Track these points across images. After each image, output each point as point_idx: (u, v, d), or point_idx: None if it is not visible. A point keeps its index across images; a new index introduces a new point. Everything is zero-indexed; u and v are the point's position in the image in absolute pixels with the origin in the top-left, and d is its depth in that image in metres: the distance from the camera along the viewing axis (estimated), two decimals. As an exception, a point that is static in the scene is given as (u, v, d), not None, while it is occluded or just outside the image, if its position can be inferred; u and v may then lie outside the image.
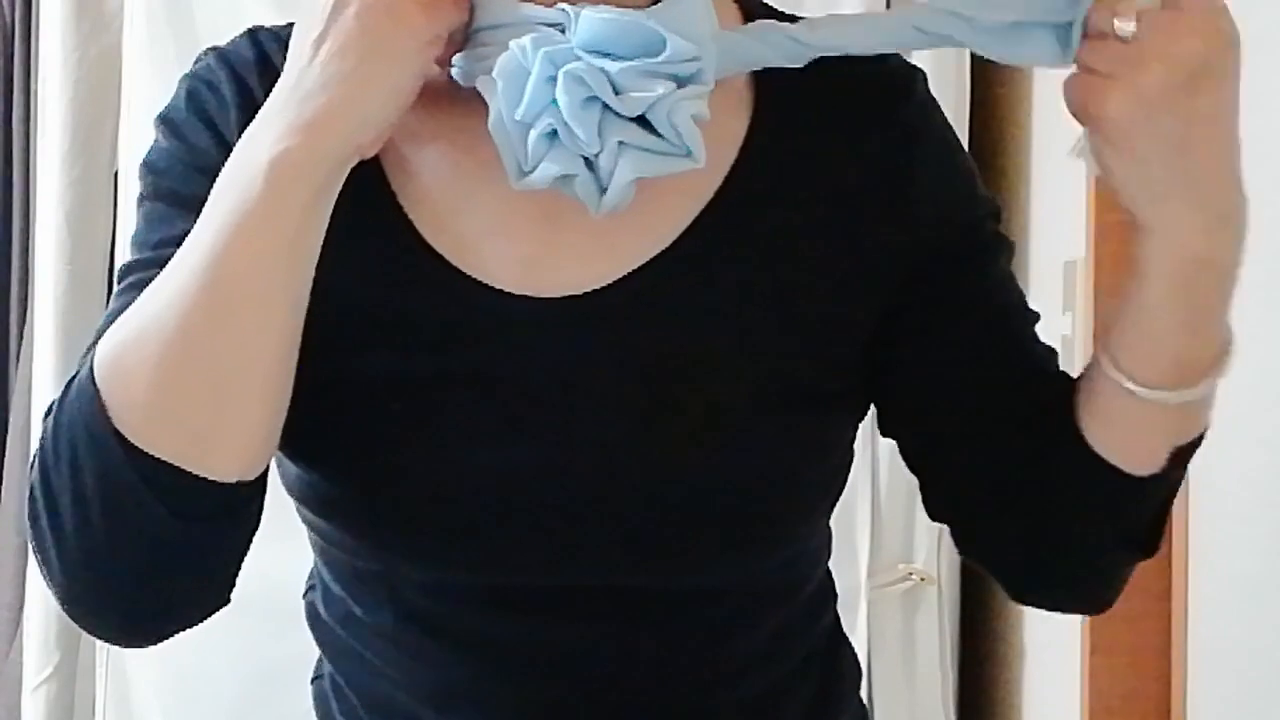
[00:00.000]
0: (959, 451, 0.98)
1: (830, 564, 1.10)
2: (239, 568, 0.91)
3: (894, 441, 1.04)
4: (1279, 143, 1.29)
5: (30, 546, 0.89)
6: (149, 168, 0.96)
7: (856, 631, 2.00)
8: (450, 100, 0.91)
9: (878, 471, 2.03)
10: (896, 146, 0.95)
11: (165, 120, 0.97)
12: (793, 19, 0.92)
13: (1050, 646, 1.89)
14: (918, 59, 1.04)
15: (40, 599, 2.21)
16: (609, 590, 0.95)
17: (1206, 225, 0.86)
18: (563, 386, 0.90)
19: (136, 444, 0.83)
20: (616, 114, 0.84)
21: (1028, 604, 1.06)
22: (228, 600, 0.92)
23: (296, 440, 0.91)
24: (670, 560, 0.94)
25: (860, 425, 1.05)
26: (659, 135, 0.85)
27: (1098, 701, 1.64)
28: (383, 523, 0.94)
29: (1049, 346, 1.01)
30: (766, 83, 0.95)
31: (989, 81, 2.08)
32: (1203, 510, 1.50)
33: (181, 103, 0.96)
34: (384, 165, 0.92)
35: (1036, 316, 1.01)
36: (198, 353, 0.83)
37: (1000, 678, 2.13)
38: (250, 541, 0.90)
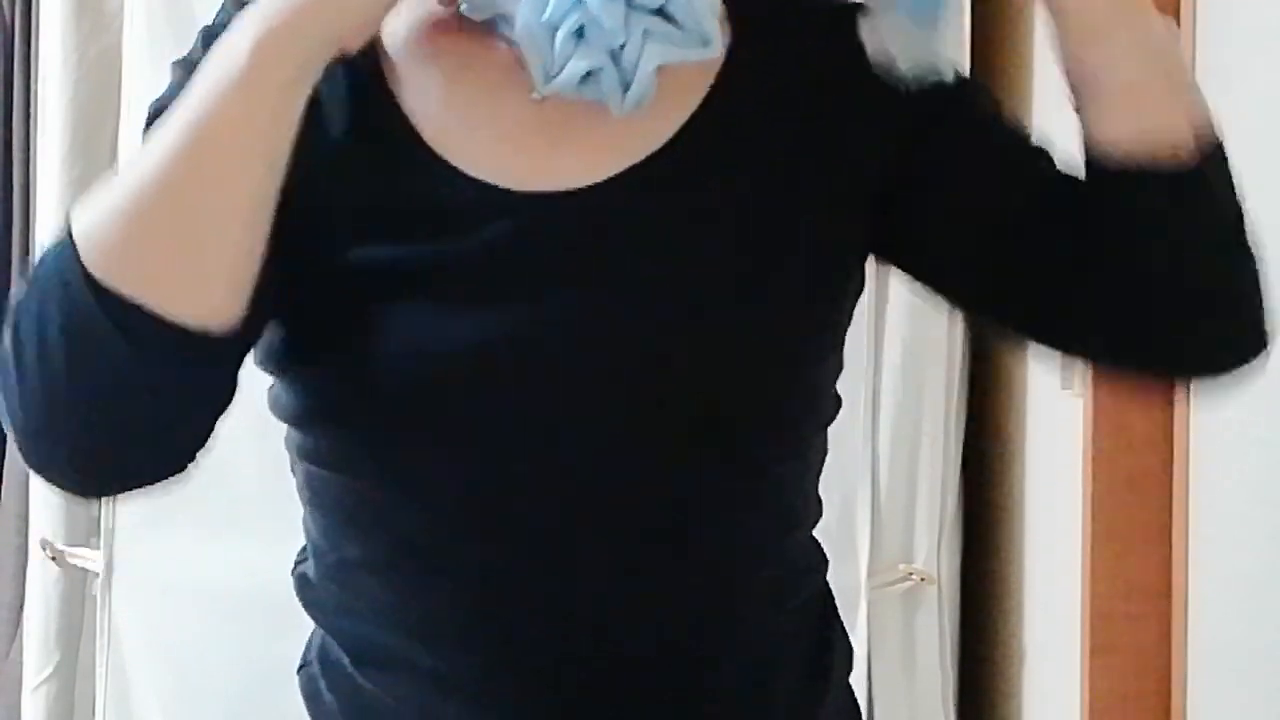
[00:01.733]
0: (1012, 272, 1.00)
1: (830, 564, 1.10)
2: (199, 437, 0.94)
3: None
4: (1279, 142, 1.29)
5: None
6: (157, 106, 0.99)
7: (856, 631, 2.00)
8: (457, 30, 0.97)
9: (878, 471, 2.03)
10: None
11: (181, 63, 1.00)
12: None
13: (1050, 646, 1.89)
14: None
15: (40, 599, 2.21)
16: (603, 518, 0.96)
17: None
18: (555, 273, 0.94)
19: (104, 281, 0.86)
20: (638, 8, 0.90)
21: (1179, 371, 1.04)
22: (183, 468, 0.94)
23: (298, 329, 0.96)
24: (654, 444, 0.96)
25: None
26: (678, 26, 0.92)
27: (1098, 701, 1.64)
28: (374, 412, 0.96)
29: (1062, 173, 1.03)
30: None
31: (989, 82, 2.08)
32: (1203, 510, 1.50)
33: (199, 47, 0.99)
34: (393, 87, 0.98)
35: (1041, 150, 1.03)
36: (172, 197, 0.88)
37: (1000, 678, 2.13)
38: (214, 417, 0.93)
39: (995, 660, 2.15)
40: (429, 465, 0.96)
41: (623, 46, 0.91)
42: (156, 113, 0.98)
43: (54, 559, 2.18)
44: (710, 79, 0.97)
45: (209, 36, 0.97)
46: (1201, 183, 0.95)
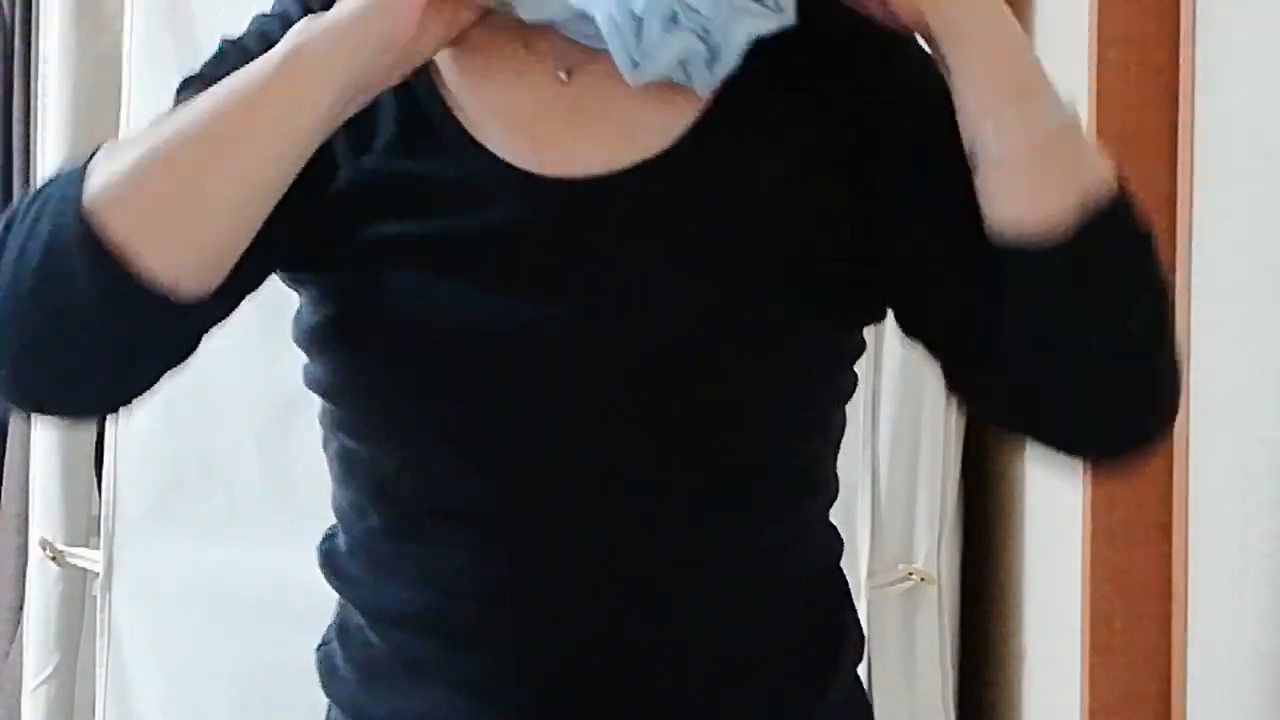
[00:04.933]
0: (948, 305, 1.02)
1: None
2: (139, 385, 0.98)
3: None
4: (1279, 143, 1.29)
5: None
6: (192, 74, 1.04)
7: (856, 631, 2.00)
8: (481, 19, 1.01)
9: (878, 471, 2.03)
10: (879, 53, 1.03)
11: (228, 40, 1.05)
12: None
13: (1050, 646, 1.89)
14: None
15: (40, 599, 2.21)
16: (622, 482, 1.00)
17: None
18: (563, 255, 0.99)
19: (93, 214, 0.91)
20: None
21: (1075, 449, 1.04)
22: (114, 408, 1.00)
23: (325, 306, 1.02)
24: (665, 421, 0.99)
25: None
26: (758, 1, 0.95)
27: (1098, 701, 1.64)
28: (396, 388, 1.01)
29: None
30: None
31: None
32: (1202, 510, 1.50)
33: (253, 29, 1.05)
34: (434, 75, 1.03)
35: None
36: (174, 160, 0.93)
37: (1000, 678, 2.13)
38: (161, 371, 0.98)
39: (995, 660, 2.15)
40: (453, 439, 1.00)
41: (709, 32, 0.94)
42: (191, 78, 1.03)
43: (54, 559, 2.18)
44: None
45: (263, 30, 1.04)
46: (1074, 258, 0.94)
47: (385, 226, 1.01)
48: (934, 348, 1.05)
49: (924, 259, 1.01)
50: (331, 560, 1.10)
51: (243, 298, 1.01)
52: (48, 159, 2.22)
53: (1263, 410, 1.36)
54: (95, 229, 0.90)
